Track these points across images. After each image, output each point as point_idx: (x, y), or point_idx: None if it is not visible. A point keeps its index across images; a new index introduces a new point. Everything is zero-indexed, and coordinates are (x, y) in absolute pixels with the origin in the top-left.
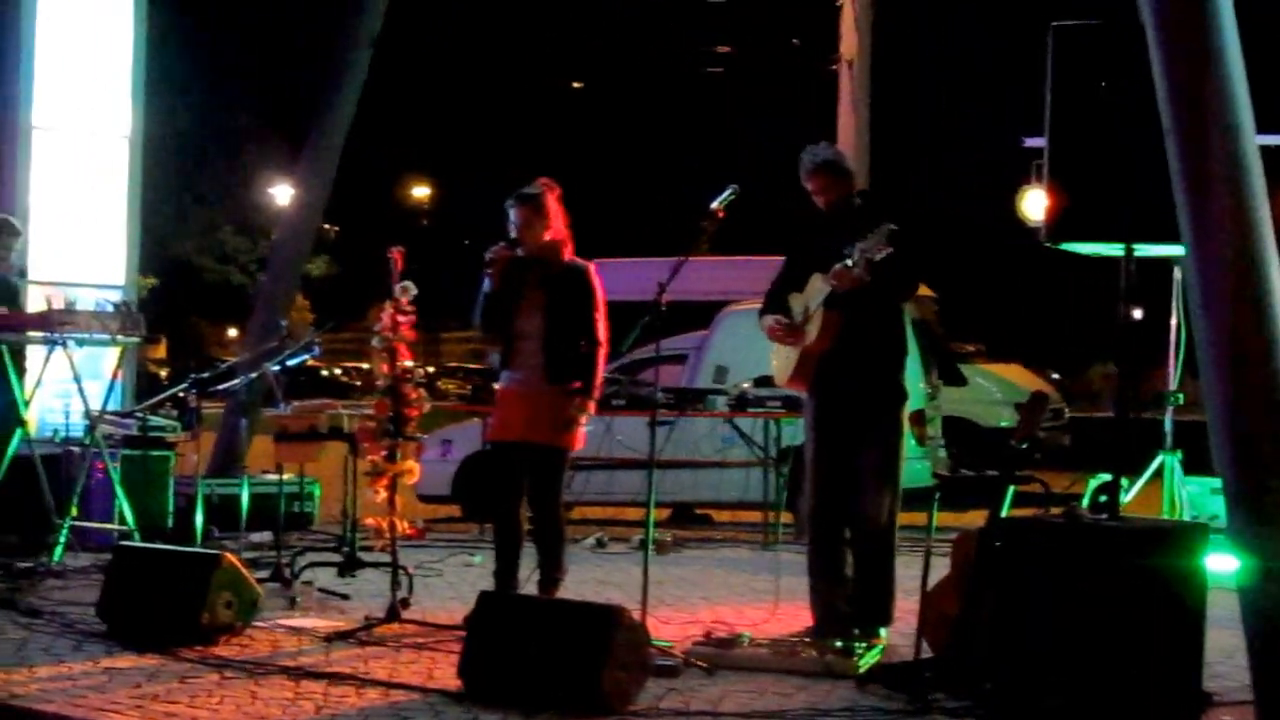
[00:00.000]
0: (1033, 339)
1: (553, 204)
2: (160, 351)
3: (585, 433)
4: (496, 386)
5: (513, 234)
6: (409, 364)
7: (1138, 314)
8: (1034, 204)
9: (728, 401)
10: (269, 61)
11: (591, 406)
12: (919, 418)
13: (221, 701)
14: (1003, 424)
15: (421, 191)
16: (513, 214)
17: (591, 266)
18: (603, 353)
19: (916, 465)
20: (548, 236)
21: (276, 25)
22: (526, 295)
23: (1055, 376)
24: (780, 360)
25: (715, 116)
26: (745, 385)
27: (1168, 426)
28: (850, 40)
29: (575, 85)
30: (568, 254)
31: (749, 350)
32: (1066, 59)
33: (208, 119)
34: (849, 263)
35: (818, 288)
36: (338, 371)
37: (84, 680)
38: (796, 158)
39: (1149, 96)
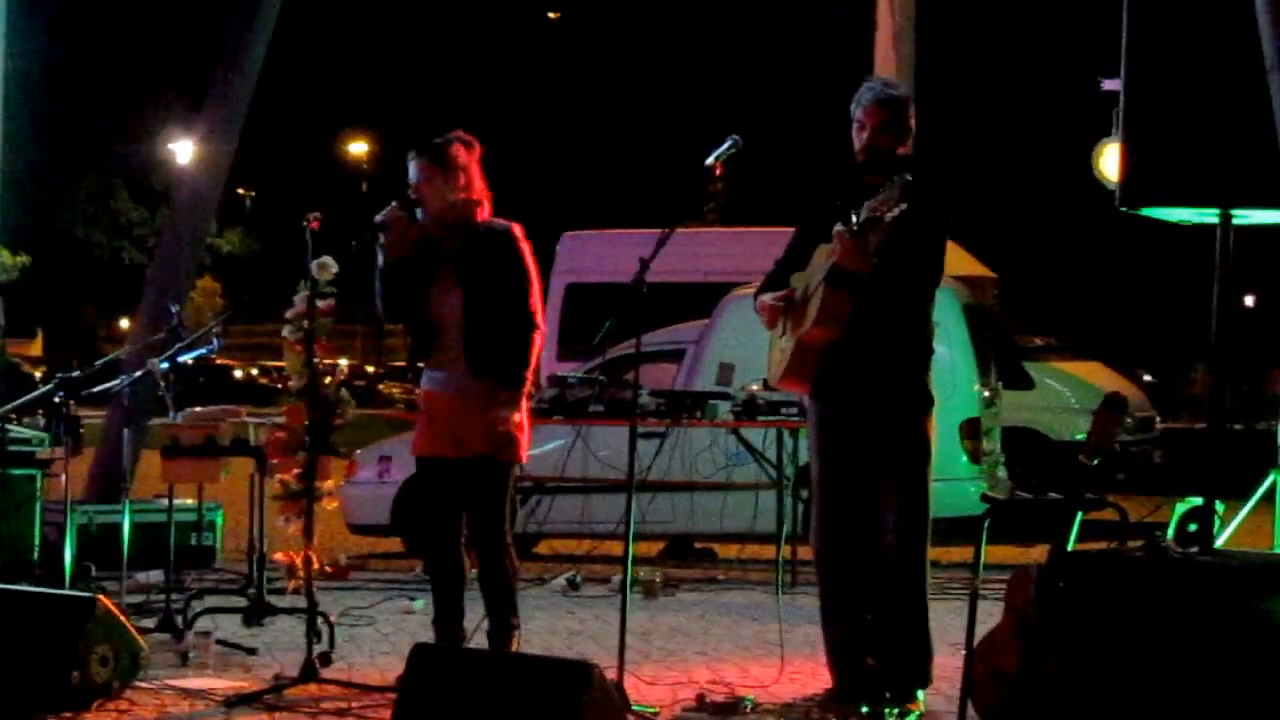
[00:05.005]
0: (1119, 332)
1: (464, 158)
2: (36, 348)
3: (527, 441)
4: (417, 390)
5: (411, 195)
6: (333, 360)
7: (1249, 301)
8: (1113, 161)
9: (733, 408)
10: None
11: (522, 405)
12: (973, 428)
13: None
14: (1079, 436)
15: (360, 148)
16: (412, 169)
17: (517, 228)
18: (539, 336)
19: (969, 487)
20: (454, 195)
21: None
22: (437, 272)
23: (1147, 379)
24: (776, 353)
25: (722, 55)
26: (754, 387)
27: None
28: None
29: (550, 16)
30: (484, 214)
31: (761, 344)
32: None
33: (95, 57)
34: (855, 219)
35: (821, 262)
36: (255, 372)
37: None
38: (822, 105)
39: (1250, 27)
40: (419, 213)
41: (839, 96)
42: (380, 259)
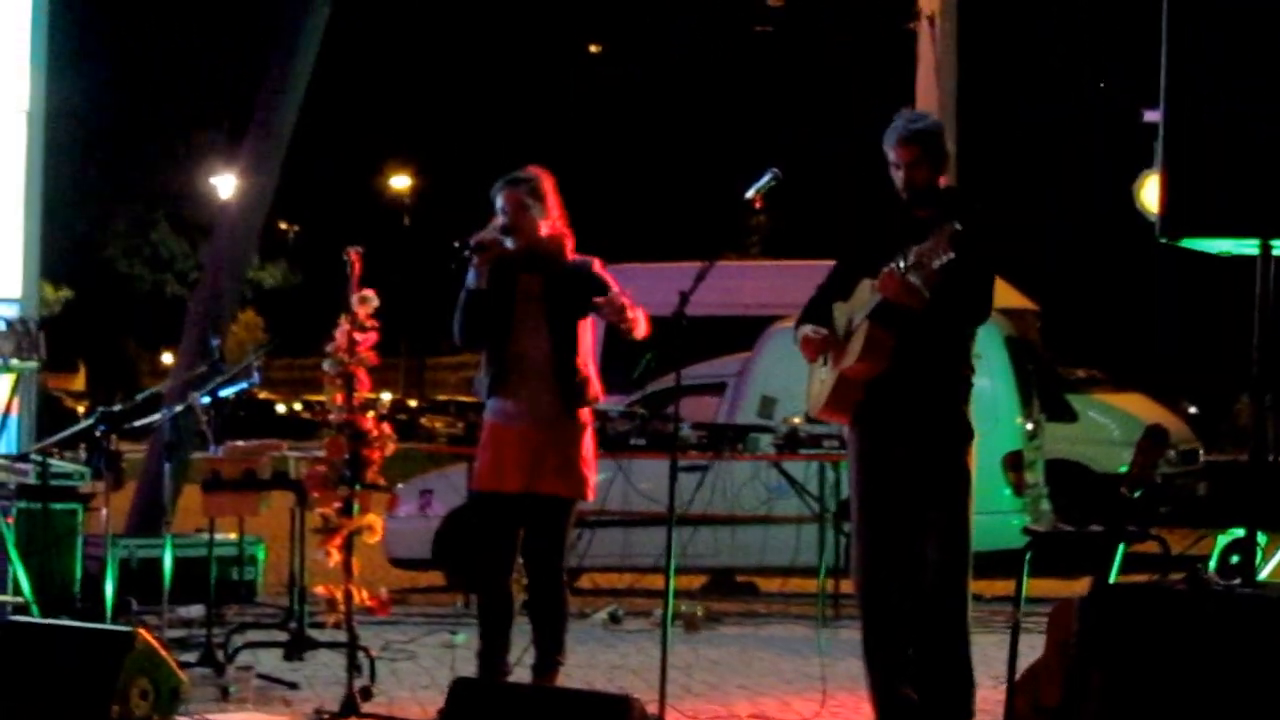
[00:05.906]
0: (1162, 363)
1: (550, 191)
2: (78, 381)
3: (597, 483)
4: (485, 419)
5: (506, 224)
6: (371, 394)
7: None
8: (1154, 192)
9: (774, 441)
10: (209, 25)
11: (588, 440)
12: (1016, 461)
13: None
14: (1122, 469)
15: (403, 182)
16: (501, 200)
17: (597, 262)
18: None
19: (1012, 520)
20: (545, 230)
21: None
22: (523, 305)
23: (1191, 410)
24: (815, 384)
25: (763, 87)
26: (797, 420)
27: None
28: None
29: (591, 49)
30: (572, 249)
31: (802, 377)
32: (1186, 8)
33: (136, 94)
34: (901, 264)
35: (865, 298)
36: (297, 406)
37: None
38: (862, 136)
39: None
40: (509, 241)
41: (839, 103)
42: (472, 278)
